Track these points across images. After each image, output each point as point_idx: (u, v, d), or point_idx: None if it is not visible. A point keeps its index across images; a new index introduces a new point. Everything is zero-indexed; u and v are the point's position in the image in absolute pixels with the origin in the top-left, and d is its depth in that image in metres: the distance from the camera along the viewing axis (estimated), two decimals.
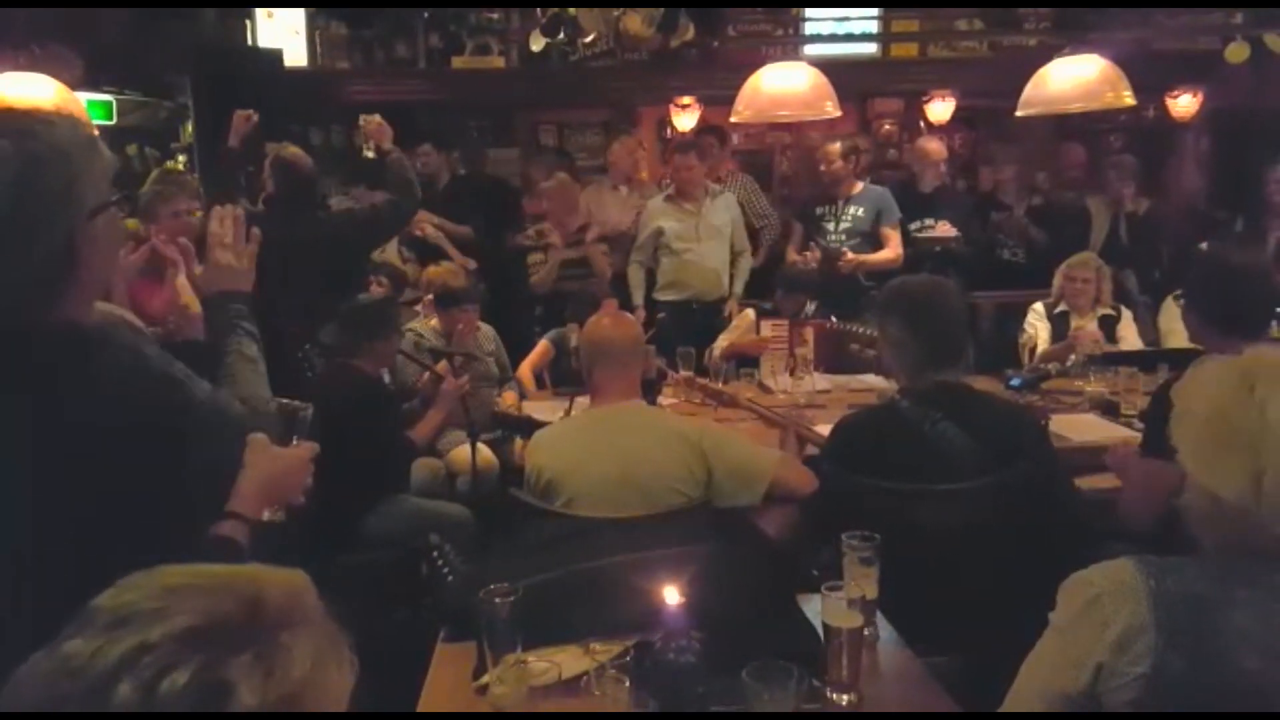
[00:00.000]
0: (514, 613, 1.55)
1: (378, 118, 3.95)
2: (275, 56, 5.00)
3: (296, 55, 5.38)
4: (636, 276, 4.87)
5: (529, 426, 2.93)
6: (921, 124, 6.38)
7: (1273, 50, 5.17)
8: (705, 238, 4.72)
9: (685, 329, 4.37)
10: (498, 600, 1.55)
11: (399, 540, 2.95)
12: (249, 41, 5.37)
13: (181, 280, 1.63)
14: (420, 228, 4.97)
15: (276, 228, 3.75)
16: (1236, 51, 5.31)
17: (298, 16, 5.46)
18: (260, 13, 5.37)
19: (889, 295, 2.35)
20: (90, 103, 4.61)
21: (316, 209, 4.04)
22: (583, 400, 3.19)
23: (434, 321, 4.07)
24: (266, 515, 1.37)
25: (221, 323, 1.51)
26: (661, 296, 4.80)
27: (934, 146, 5.20)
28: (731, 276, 4.81)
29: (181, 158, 5.29)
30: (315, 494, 1.52)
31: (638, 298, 4.85)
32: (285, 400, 1.54)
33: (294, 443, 1.49)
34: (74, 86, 3.94)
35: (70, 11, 4.36)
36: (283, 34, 5.40)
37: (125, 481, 1.14)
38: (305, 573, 0.78)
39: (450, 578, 2.58)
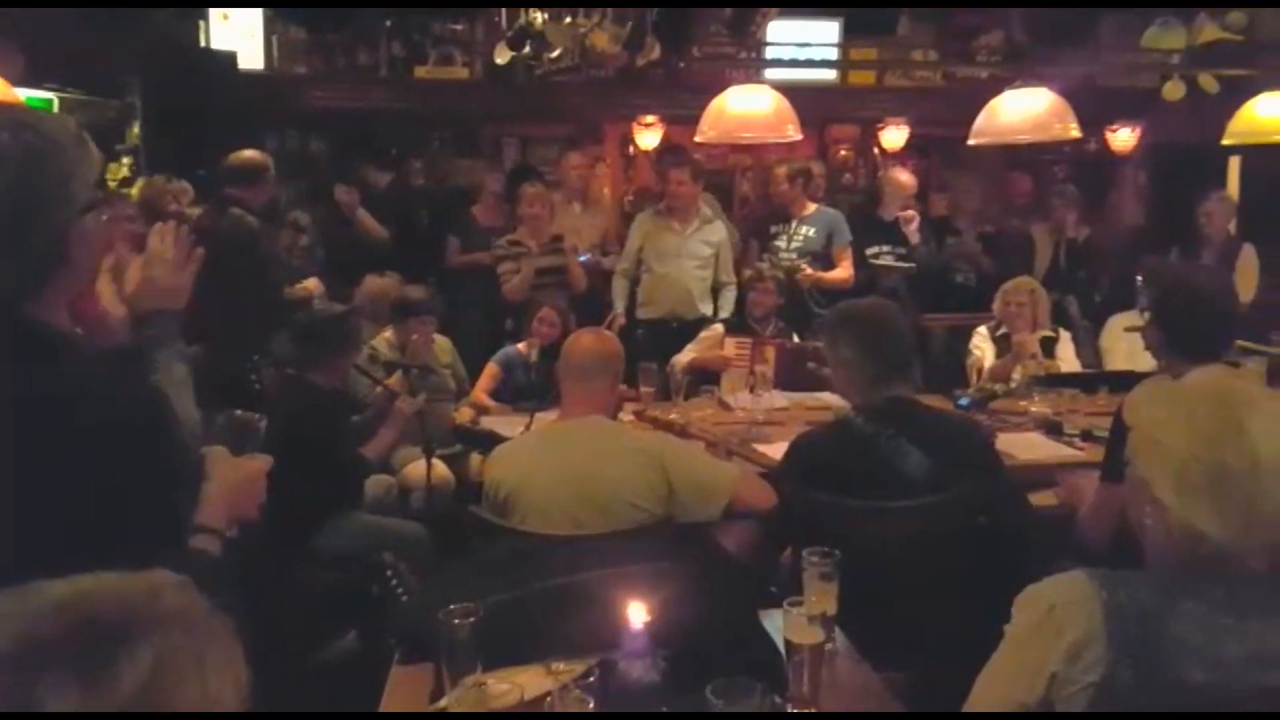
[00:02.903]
0: (474, 633, 1.53)
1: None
2: (229, 59, 4.92)
3: (252, 59, 5.30)
4: (620, 286, 4.91)
5: (489, 441, 2.91)
6: (876, 150, 6.51)
7: (1206, 90, 5.40)
8: (686, 258, 4.75)
9: (662, 346, 4.42)
10: (457, 621, 1.53)
11: (351, 558, 2.90)
12: (202, 43, 5.27)
13: (102, 284, 1.59)
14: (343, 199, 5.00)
15: (205, 223, 3.80)
16: (1173, 89, 5.53)
17: (254, 20, 5.37)
18: (215, 15, 5.27)
19: (838, 319, 2.44)
20: (30, 99, 4.47)
21: (237, 204, 3.97)
22: (543, 416, 3.19)
23: (388, 333, 4.02)
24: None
25: (152, 340, 1.47)
26: (641, 314, 4.83)
27: (906, 179, 5.37)
28: (716, 306, 4.83)
29: (127, 160, 5.17)
30: (266, 510, 1.50)
31: (620, 305, 4.89)
32: (238, 412, 1.51)
33: (247, 455, 1.46)
34: (14, 83, 3.84)
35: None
36: (238, 37, 5.31)
37: (89, 489, 1.11)
38: (171, 572, 0.78)
39: (404, 597, 2.55)
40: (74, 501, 1.09)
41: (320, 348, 3.25)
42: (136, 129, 4.89)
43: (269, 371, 3.54)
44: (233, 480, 1.35)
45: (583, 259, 4.89)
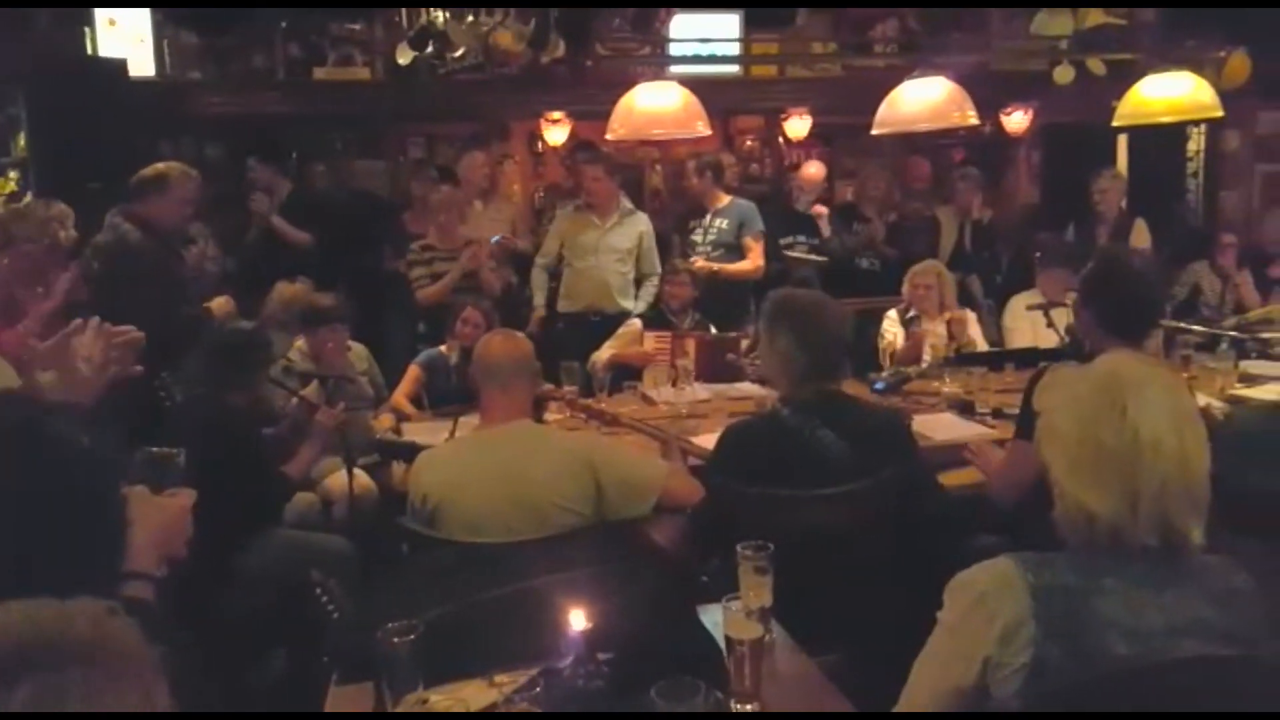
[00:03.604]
0: (414, 650, 1.52)
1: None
2: (118, 66, 4.72)
3: (143, 65, 5.08)
4: (539, 279, 4.94)
5: (411, 451, 2.87)
6: (781, 140, 6.62)
7: (1094, 72, 5.65)
8: (604, 253, 4.76)
9: (582, 339, 4.45)
10: (397, 639, 1.51)
11: (277, 578, 2.82)
12: (89, 50, 5.03)
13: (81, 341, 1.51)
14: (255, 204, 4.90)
15: (104, 239, 3.65)
16: (1063, 73, 5.77)
17: (143, 25, 5.15)
18: (102, 21, 5.04)
19: (777, 307, 2.41)
20: None
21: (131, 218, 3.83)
22: (466, 421, 3.16)
23: (300, 343, 3.92)
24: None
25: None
26: (561, 307, 4.86)
27: (815, 173, 5.53)
28: (638, 296, 4.85)
29: (13, 174, 4.92)
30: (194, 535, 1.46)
31: (539, 299, 4.91)
32: (154, 449, 1.47)
33: (168, 491, 1.42)
34: None
35: None
36: (127, 44, 5.08)
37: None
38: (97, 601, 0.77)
39: (336, 615, 2.50)
40: None
41: (233, 367, 3.15)
42: (22, 141, 4.66)
43: (179, 390, 3.43)
44: (159, 522, 1.32)
45: (494, 239, 4.87)
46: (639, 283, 4.86)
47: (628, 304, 4.79)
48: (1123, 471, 1.25)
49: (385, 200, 5.72)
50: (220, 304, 4.04)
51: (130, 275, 3.64)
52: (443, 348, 4.04)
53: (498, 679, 1.60)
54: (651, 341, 4.17)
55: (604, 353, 4.20)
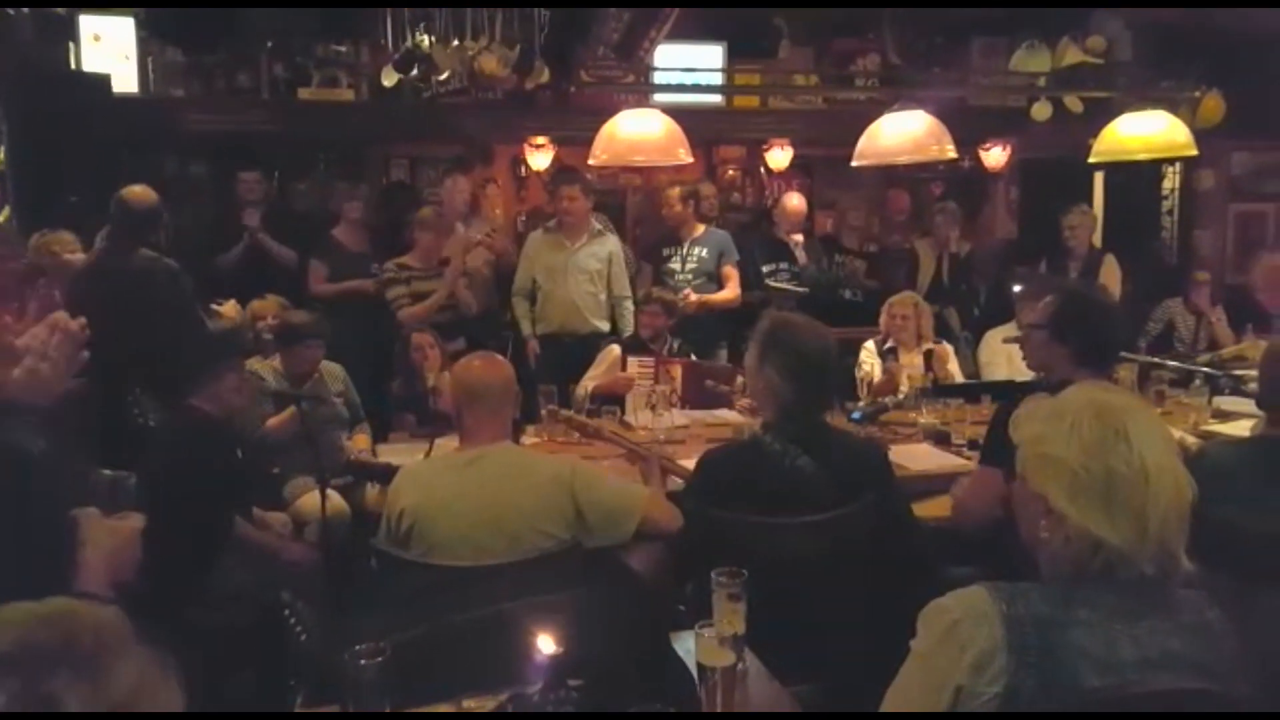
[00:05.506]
0: (382, 673, 1.50)
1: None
2: (102, 82, 4.70)
3: (127, 82, 5.07)
4: (521, 308, 4.95)
5: (386, 472, 2.84)
6: (763, 170, 6.67)
7: (1071, 110, 5.76)
8: (571, 274, 4.78)
9: (558, 361, 4.49)
10: (364, 661, 1.49)
11: (245, 596, 2.78)
12: (73, 65, 5.02)
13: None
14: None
15: (112, 264, 3.63)
16: (1041, 110, 5.89)
17: (128, 41, 5.15)
18: (86, 36, 5.04)
19: (773, 333, 2.36)
20: None
21: (145, 245, 3.80)
22: (443, 442, 3.13)
23: (275, 362, 3.88)
24: None
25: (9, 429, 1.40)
26: (537, 329, 4.89)
27: (797, 204, 5.60)
28: (616, 322, 4.87)
29: None
30: (156, 550, 1.44)
31: (526, 328, 4.93)
32: (106, 471, 1.46)
33: (118, 515, 1.42)
34: None
35: None
36: (112, 59, 5.07)
37: None
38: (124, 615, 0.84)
39: (304, 636, 2.46)
40: None
41: (194, 369, 3.10)
42: (1, 154, 4.63)
43: (154, 404, 3.39)
44: (110, 545, 1.32)
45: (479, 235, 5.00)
46: (612, 306, 4.87)
47: (601, 324, 4.80)
48: (1133, 499, 1.25)
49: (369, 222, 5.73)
50: (229, 308, 4.03)
51: (171, 299, 3.66)
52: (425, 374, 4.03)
53: (466, 703, 1.58)
54: (635, 366, 4.16)
55: (587, 383, 4.19)
